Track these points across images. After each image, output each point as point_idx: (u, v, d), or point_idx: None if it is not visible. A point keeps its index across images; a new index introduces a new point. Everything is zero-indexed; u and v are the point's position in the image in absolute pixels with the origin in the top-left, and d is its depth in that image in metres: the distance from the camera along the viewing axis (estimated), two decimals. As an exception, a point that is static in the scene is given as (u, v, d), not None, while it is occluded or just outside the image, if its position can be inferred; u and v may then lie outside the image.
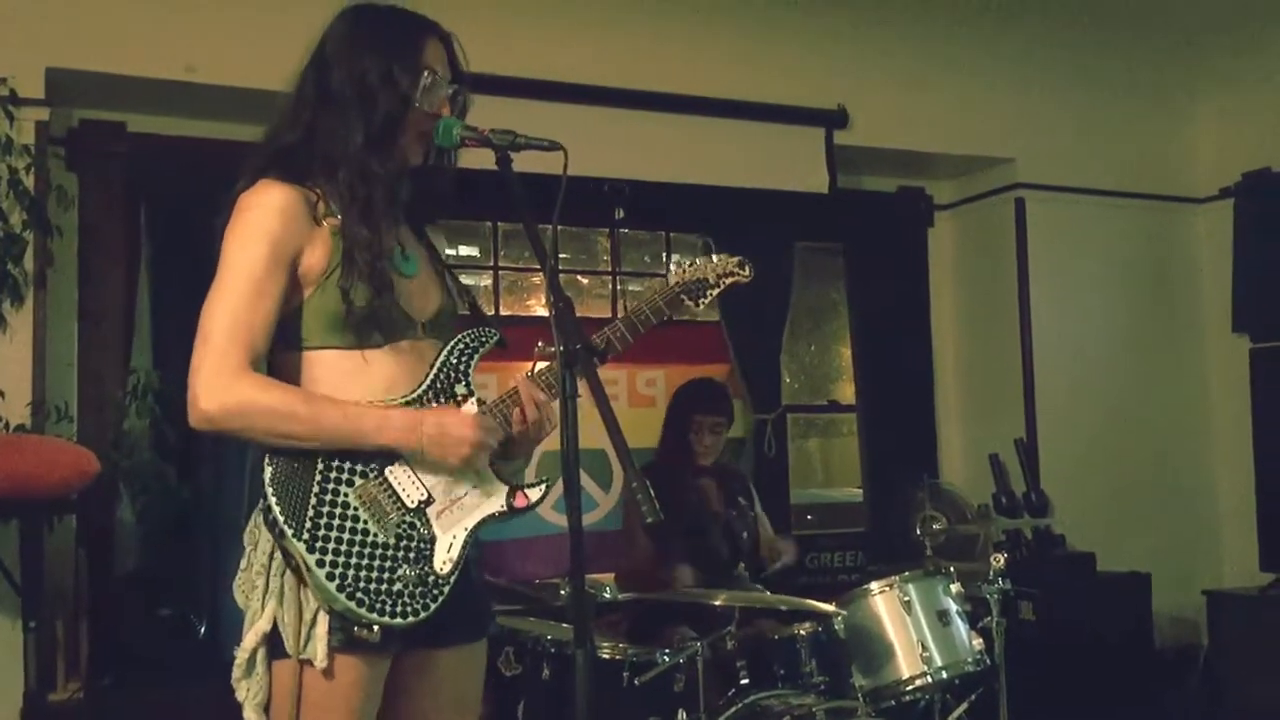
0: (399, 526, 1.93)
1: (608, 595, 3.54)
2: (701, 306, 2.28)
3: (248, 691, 1.91)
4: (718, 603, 3.30)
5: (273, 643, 1.90)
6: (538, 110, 4.37)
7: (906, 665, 3.34)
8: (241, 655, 1.91)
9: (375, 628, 1.87)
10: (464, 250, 5.10)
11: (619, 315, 2.19)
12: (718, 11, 4.86)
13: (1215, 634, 5.16)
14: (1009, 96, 5.39)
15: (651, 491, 1.73)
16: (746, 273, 2.32)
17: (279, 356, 1.98)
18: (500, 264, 5.05)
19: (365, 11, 2.07)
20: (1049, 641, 4.52)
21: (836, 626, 3.34)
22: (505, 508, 2.02)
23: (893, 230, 5.60)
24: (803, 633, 3.34)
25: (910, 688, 3.34)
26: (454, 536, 1.96)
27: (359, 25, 2.05)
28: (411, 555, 1.92)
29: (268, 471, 1.90)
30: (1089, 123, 5.56)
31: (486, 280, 5.06)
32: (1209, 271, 5.77)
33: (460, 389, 2.05)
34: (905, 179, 5.68)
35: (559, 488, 1.85)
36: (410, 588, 1.90)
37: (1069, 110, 5.52)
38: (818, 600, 3.39)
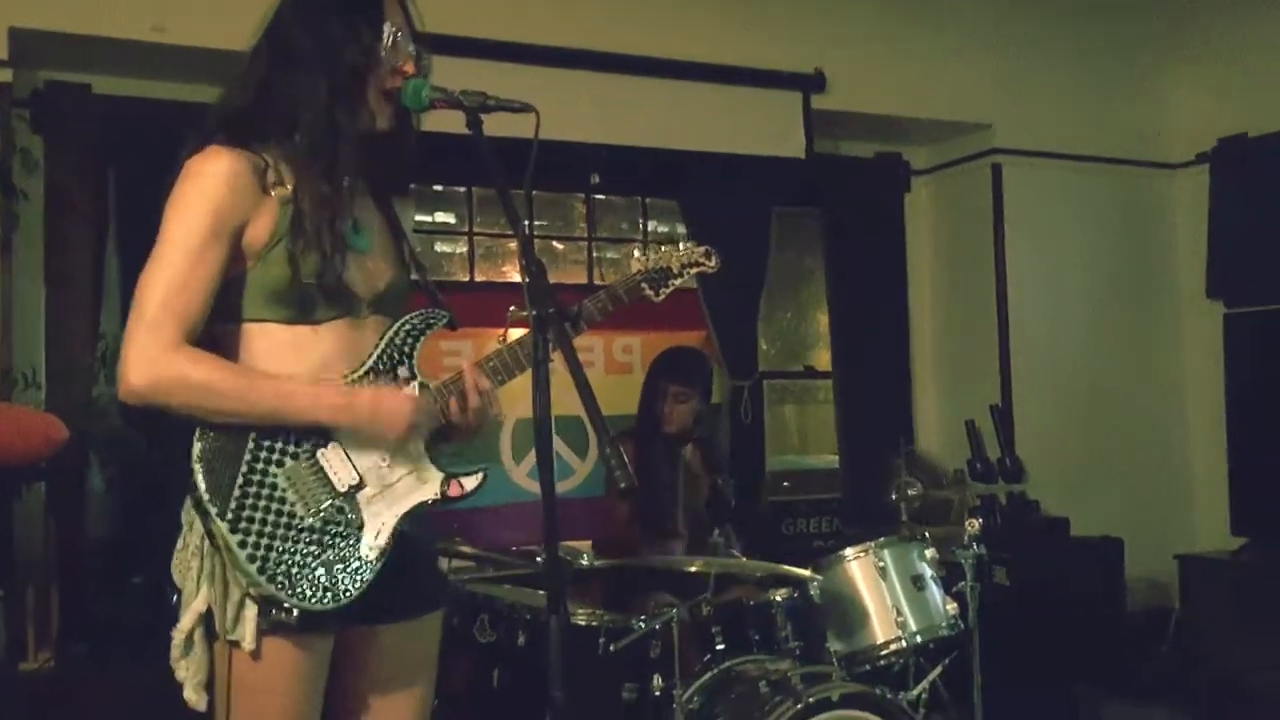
0: (327, 510, 1.90)
1: (584, 562, 3.53)
2: (661, 296, 2.26)
3: (187, 671, 1.89)
4: (693, 569, 3.30)
5: (209, 623, 1.88)
6: (509, 73, 4.33)
7: (881, 630, 3.36)
8: (179, 636, 1.89)
9: (295, 611, 1.84)
10: (439, 216, 5.05)
11: (592, 292, 2.16)
12: (694, -26, 4.81)
13: (1187, 598, 5.21)
14: (986, 62, 5.37)
15: (625, 458, 1.71)
16: (712, 263, 2.32)
17: (218, 328, 1.94)
18: (475, 230, 5.01)
19: None
20: (1023, 606, 4.55)
21: (812, 592, 3.35)
22: (438, 495, 1.99)
23: (870, 196, 5.58)
24: (778, 598, 3.34)
25: (885, 652, 3.35)
26: (383, 523, 1.93)
27: None
28: (337, 540, 1.90)
29: (196, 448, 1.86)
30: (1066, 89, 5.55)
31: (462, 247, 5.02)
32: (1184, 237, 5.78)
33: (403, 371, 2.01)
34: (882, 144, 5.66)
35: (532, 456, 1.84)
36: (333, 573, 1.87)
37: (1046, 76, 5.51)
38: (793, 566, 3.39)
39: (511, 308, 1.99)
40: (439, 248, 5.05)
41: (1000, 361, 5.38)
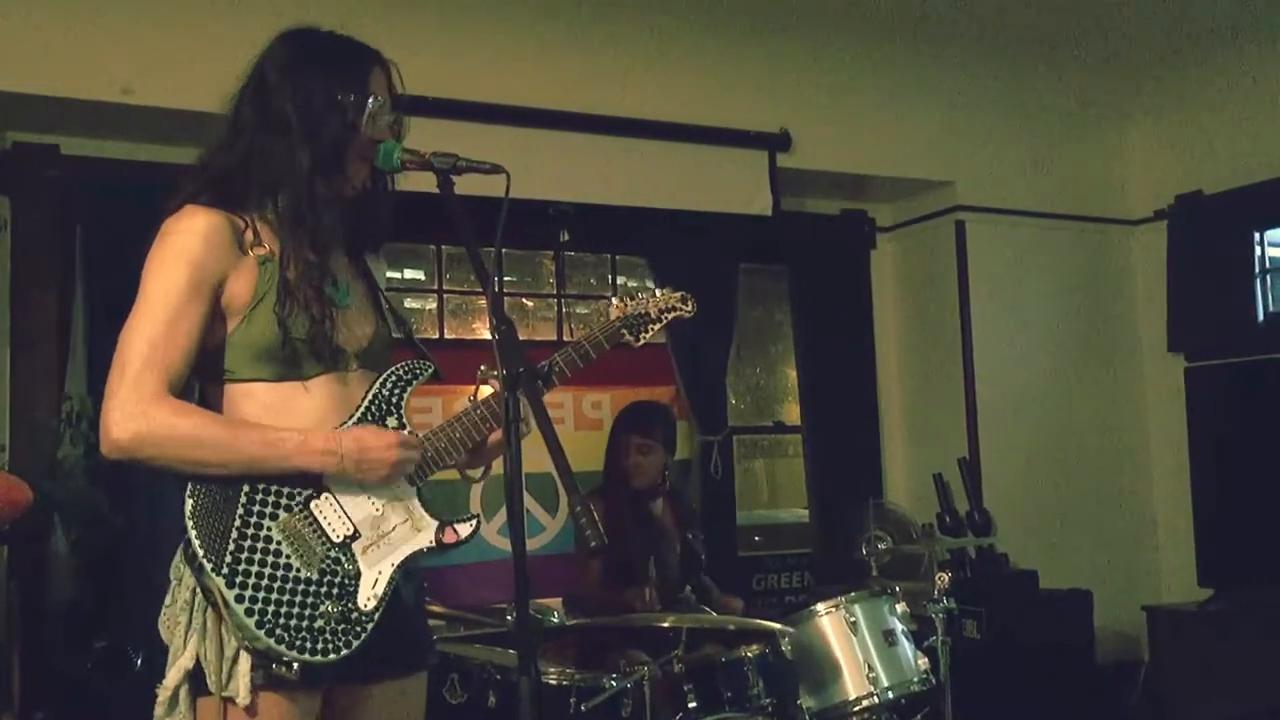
0: (323, 561, 1.89)
1: (555, 620, 3.51)
2: (641, 341, 2.29)
3: None
4: (665, 625, 3.29)
5: (196, 680, 1.86)
6: (482, 133, 4.37)
7: (853, 686, 3.35)
8: (164, 693, 1.87)
9: (295, 665, 1.83)
10: (409, 273, 5.06)
11: (562, 347, 2.18)
12: (661, 36, 4.88)
13: (1156, 649, 5.23)
14: (948, 121, 5.47)
15: (595, 515, 1.72)
16: (689, 308, 2.34)
17: (207, 390, 1.96)
18: (445, 287, 5.02)
19: (307, 36, 2.05)
20: (994, 659, 4.56)
21: (783, 647, 3.34)
22: (434, 543, 1.99)
23: (836, 252, 5.64)
24: (750, 654, 3.33)
25: (857, 708, 3.34)
26: (379, 572, 1.93)
27: (302, 49, 2.03)
28: (335, 591, 1.88)
29: (188, 504, 1.85)
30: (1027, 147, 5.65)
31: (431, 304, 5.03)
32: (1144, 292, 5.88)
33: (392, 421, 2.02)
34: (847, 202, 5.73)
35: (503, 514, 1.85)
36: (332, 624, 1.86)
37: (1007, 135, 5.61)
38: (765, 621, 3.39)
39: (482, 366, 2.00)
40: (409, 304, 5.05)
41: (967, 415, 5.42)
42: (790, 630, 3.34)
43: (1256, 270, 5.46)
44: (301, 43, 2.04)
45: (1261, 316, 5.45)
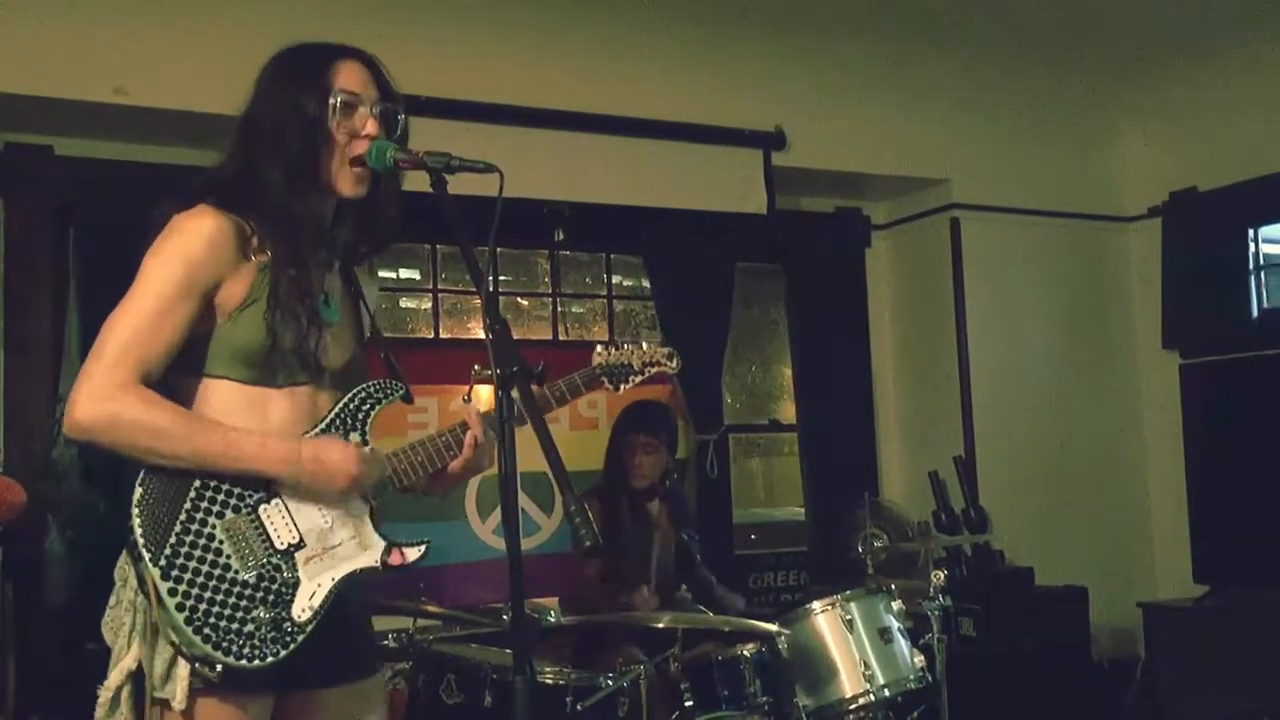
0: (263, 567, 1.89)
1: (551, 619, 3.51)
2: (621, 390, 2.31)
3: None
4: (660, 624, 3.29)
5: (138, 681, 1.85)
6: (475, 132, 4.37)
7: (849, 684, 3.35)
8: (105, 694, 1.87)
9: (218, 667, 1.82)
10: (404, 273, 5.06)
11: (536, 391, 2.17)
12: (656, 34, 4.88)
13: (1151, 646, 5.24)
14: (943, 119, 5.47)
15: (590, 515, 1.72)
16: (674, 365, 2.37)
17: (178, 380, 1.95)
18: (439, 287, 5.01)
19: (281, 53, 2.06)
20: (990, 657, 4.56)
21: (779, 646, 3.34)
22: (378, 564, 1.98)
23: (831, 250, 5.65)
24: (746, 653, 3.33)
25: (853, 706, 3.34)
26: (319, 585, 1.92)
27: (274, 66, 2.04)
28: (270, 598, 1.87)
29: (137, 492, 1.85)
30: (1021, 144, 5.66)
31: (426, 303, 5.02)
32: (1139, 289, 5.88)
33: (355, 437, 2.02)
34: (842, 200, 5.73)
35: (498, 513, 1.85)
36: (262, 630, 1.85)
37: (1002, 132, 5.62)
38: (761, 620, 3.39)
39: (476, 366, 2.00)
40: (403, 304, 5.05)
41: (963, 413, 5.43)
42: (785, 632, 3.34)
43: (1251, 267, 5.47)
44: (274, 62, 2.05)
45: (1256, 313, 5.46)
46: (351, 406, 2.03)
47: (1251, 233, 5.49)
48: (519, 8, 4.62)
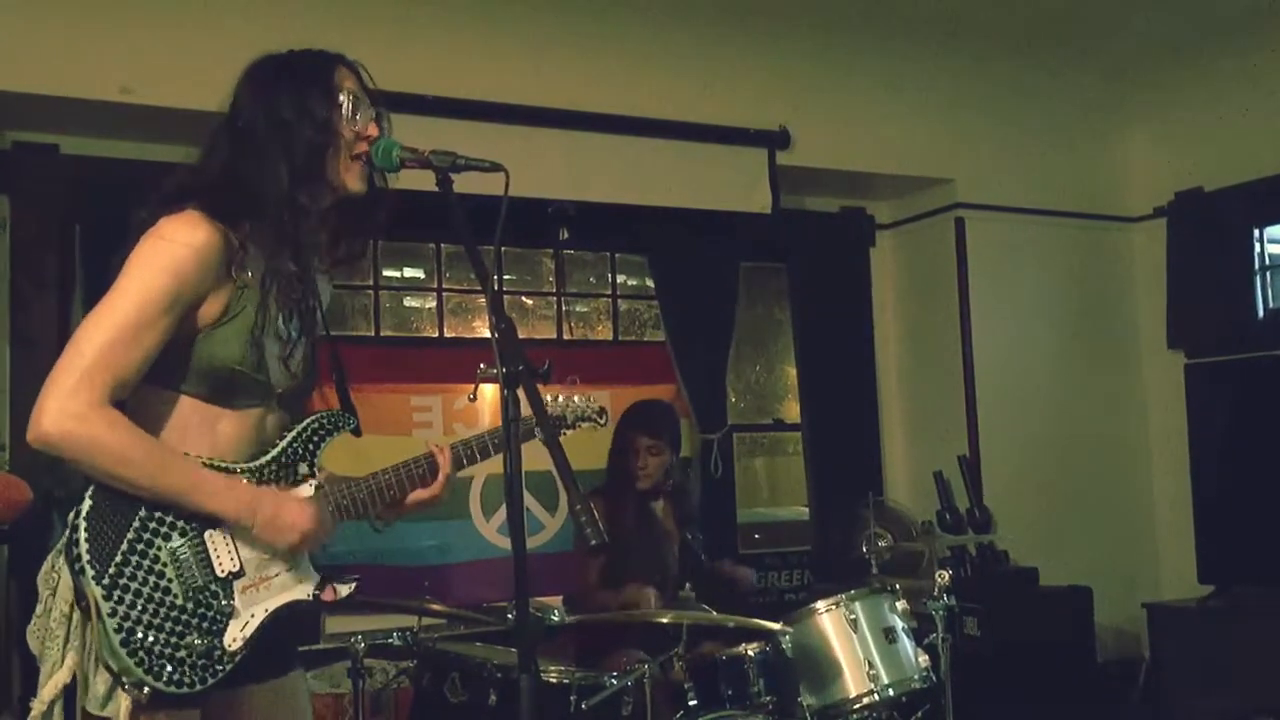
0: (201, 593, 1.89)
1: (555, 618, 3.51)
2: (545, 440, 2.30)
3: None
4: (664, 621, 3.29)
5: (71, 695, 1.84)
6: (481, 131, 4.37)
7: (854, 683, 3.35)
8: (38, 707, 1.86)
9: (145, 689, 1.81)
10: (408, 272, 5.06)
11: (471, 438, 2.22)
12: (660, 33, 4.88)
13: (1156, 646, 5.23)
14: (948, 119, 5.47)
15: (595, 514, 1.72)
16: (602, 422, 2.46)
17: (139, 385, 1.91)
18: (444, 286, 5.02)
19: (265, 60, 2.05)
20: (994, 657, 4.56)
21: (783, 645, 3.34)
22: (310, 598, 2.00)
23: (836, 250, 5.64)
24: (750, 652, 3.33)
25: (858, 706, 3.34)
26: (252, 614, 1.93)
27: (263, 72, 2.03)
28: (205, 625, 1.88)
29: (86, 504, 1.84)
30: (1026, 144, 5.65)
31: (430, 302, 5.03)
32: (1144, 289, 5.87)
33: (303, 468, 2.02)
34: (847, 199, 5.73)
35: (502, 512, 1.85)
36: (193, 658, 1.85)
37: (1006, 132, 5.61)
38: (765, 619, 3.39)
39: (481, 365, 2.00)
40: (408, 303, 5.05)
41: (967, 412, 5.43)
42: (789, 632, 3.34)
43: (1256, 267, 5.46)
44: (264, 65, 2.04)
45: (1261, 313, 5.45)
46: (303, 436, 2.04)
47: (1257, 233, 5.48)
48: (524, 7, 4.62)
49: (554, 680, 3.14)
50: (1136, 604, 5.33)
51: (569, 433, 2.38)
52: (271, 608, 1.94)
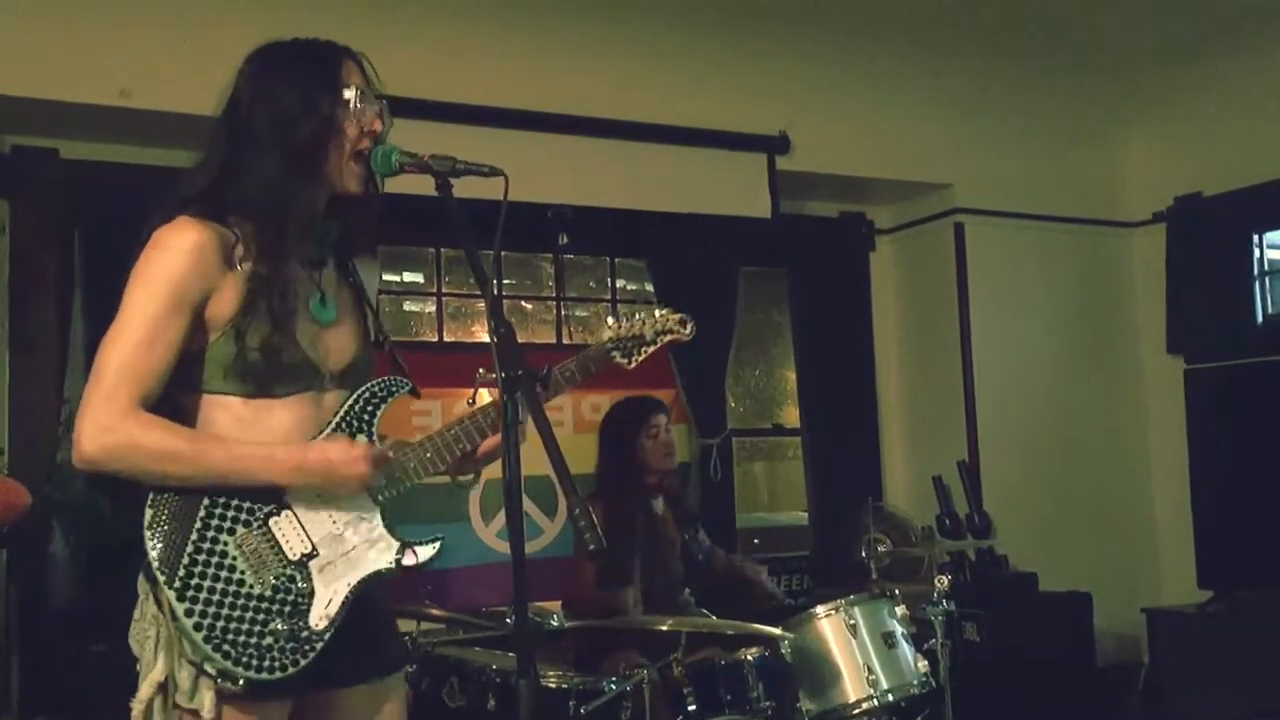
0: (277, 579, 1.89)
1: (554, 623, 3.51)
2: (633, 364, 2.24)
3: None
4: (664, 628, 3.29)
5: (168, 692, 1.86)
6: (480, 136, 4.37)
7: (853, 689, 3.35)
8: (138, 706, 1.87)
9: (240, 681, 1.83)
10: (407, 276, 5.06)
11: (552, 365, 2.11)
12: (660, 38, 4.89)
13: (1156, 651, 5.23)
14: (947, 124, 5.47)
15: (594, 518, 1.72)
16: (687, 331, 2.33)
17: (181, 397, 1.95)
18: (444, 290, 5.02)
19: (271, 48, 2.05)
20: (993, 662, 4.56)
21: (783, 650, 3.34)
22: (393, 564, 1.98)
23: (835, 255, 5.65)
24: (749, 657, 3.33)
25: (857, 711, 3.34)
26: (335, 591, 1.92)
27: (269, 59, 2.02)
28: (286, 609, 1.88)
29: (148, 514, 1.86)
30: (1025, 149, 5.66)
31: (430, 307, 5.03)
32: (1143, 294, 5.88)
33: (361, 439, 2.01)
34: (846, 204, 5.73)
35: (501, 516, 1.85)
36: (280, 642, 1.86)
37: (1006, 137, 5.61)
38: (764, 624, 3.38)
39: (480, 370, 2.00)
40: (407, 307, 5.05)
41: (967, 417, 5.42)
42: (789, 637, 3.34)
43: (1255, 272, 5.47)
44: (268, 54, 2.04)
45: (1260, 319, 5.45)
46: (356, 408, 2.03)
47: (1256, 238, 5.49)
48: (523, 12, 4.63)
49: (553, 685, 3.13)
50: (1136, 609, 5.33)
51: (649, 350, 2.25)
52: (354, 581, 1.94)
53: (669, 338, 2.30)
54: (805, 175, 5.18)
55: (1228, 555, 5.26)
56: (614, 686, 3.10)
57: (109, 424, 1.83)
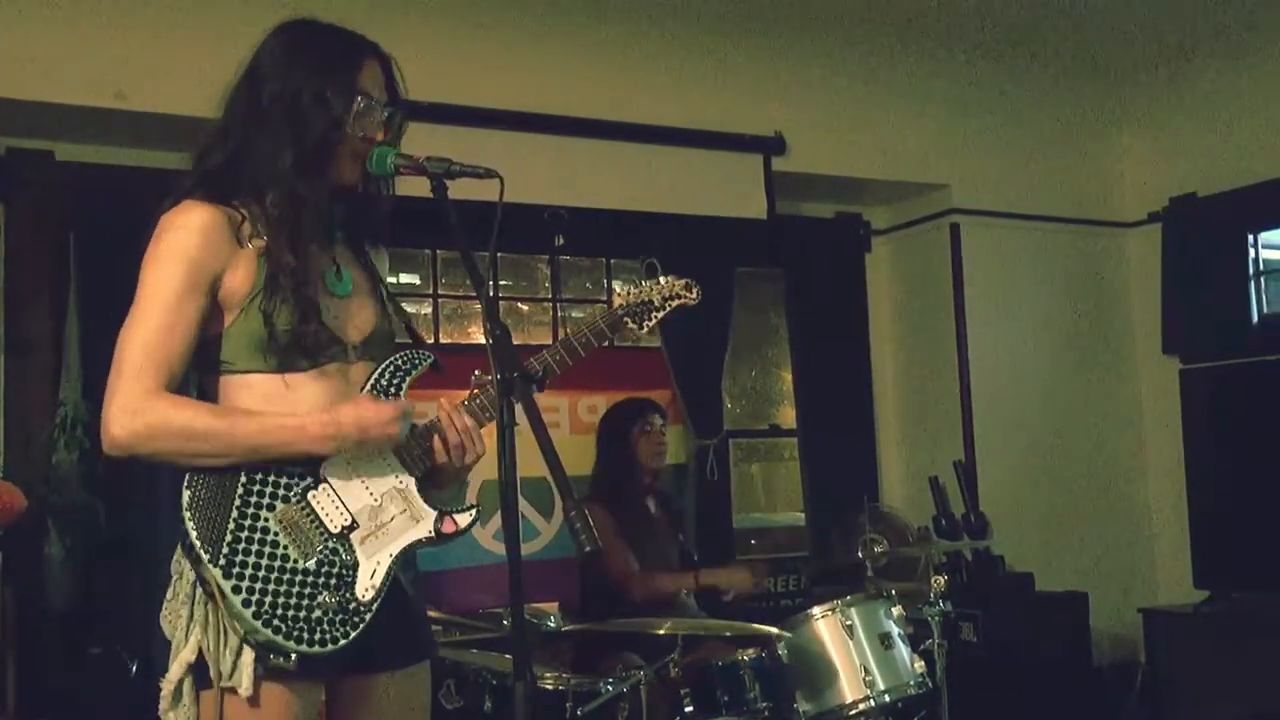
0: (321, 552, 1.90)
1: (551, 625, 3.51)
2: (645, 329, 2.28)
3: None
4: (661, 630, 3.29)
5: (198, 672, 1.86)
6: (476, 137, 4.37)
7: (850, 689, 3.35)
8: (168, 686, 1.87)
9: (293, 656, 1.83)
10: (404, 278, 5.06)
11: (559, 339, 2.15)
12: (655, 39, 4.89)
13: (1152, 651, 5.23)
14: (943, 125, 5.47)
15: (589, 520, 1.72)
16: (694, 295, 2.35)
17: (204, 379, 1.96)
18: (439, 292, 5.02)
19: (302, 27, 2.04)
20: (990, 662, 4.56)
21: (779, 651, 3.34)
22: (433, 533, 1.98)
23: (831, 255, 5.65)
24: (746, 658, 3.33)
25: (853, 712, 3.34)
26: (378, 563, 1.93)
27: (295, 41, 2.02)
28: (333, 582, 1.89)
29: (186, 495, 1.86)
30: (1021, 150, 5.66)
31: (426, 308, 5.02)
32: (1139, 294, 5.88)
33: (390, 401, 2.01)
34: (842, 205, 5.73)
35: (497, 518, 1.85)
36: (330, 615, 1.86)
37: (1001, 138, 5.62)
38: (761, 625, 3.39)
39: (476, 371, 2.01)
40: (403, 308, 5.04)
41: (963, 418, 5.43)
42: (786, 637, 3.34)
43: (1251, 272, 5.47)
44: (296, 34, 2.03)
45: (1256, 318, 5.45)
46: (383, 380, 2.03)
47: (1251, 238, 5.49)
48: (519, 13, 4.63)
49: (550, 687, 3.13)
50: (1132, 609, 5.34)
51: (659, 316, 2.29)
52: (395, 551, 1.94)
53: (677, 303, 2.33)
54: (801, 176, 5.18)
55: (1224, 555, 5.27)
56: (611, 688, 3.10)
57: (137, 407, 1.83)
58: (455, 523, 2.00)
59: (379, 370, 2.04)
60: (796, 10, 4.95)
